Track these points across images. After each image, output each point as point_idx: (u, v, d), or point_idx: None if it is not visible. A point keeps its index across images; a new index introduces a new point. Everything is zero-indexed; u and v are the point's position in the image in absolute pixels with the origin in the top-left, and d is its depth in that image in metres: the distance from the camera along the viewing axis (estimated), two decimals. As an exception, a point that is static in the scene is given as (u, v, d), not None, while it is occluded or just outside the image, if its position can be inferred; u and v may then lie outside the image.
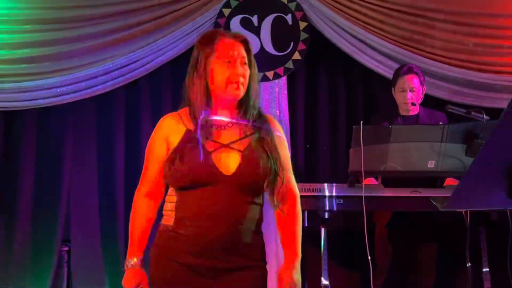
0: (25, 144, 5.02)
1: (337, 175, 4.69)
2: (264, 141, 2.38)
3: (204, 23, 5.03)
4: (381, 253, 4.08)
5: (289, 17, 5.03)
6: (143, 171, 2.51)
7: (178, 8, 5.01)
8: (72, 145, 5.05)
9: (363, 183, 3.54)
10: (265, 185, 2.37)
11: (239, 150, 2.34)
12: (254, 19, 5.04)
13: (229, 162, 2.31)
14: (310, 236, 4.78)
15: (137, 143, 5.04)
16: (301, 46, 5.01)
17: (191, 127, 2.39)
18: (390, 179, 3.81)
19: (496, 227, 3.98)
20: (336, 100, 5.16)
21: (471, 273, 3.68)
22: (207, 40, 2.43)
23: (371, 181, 3.92)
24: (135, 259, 2.46)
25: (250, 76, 2.43)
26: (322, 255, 3.86)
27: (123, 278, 2.47)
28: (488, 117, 3.60)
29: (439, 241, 4.14)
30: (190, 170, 2.27)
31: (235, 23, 5.02)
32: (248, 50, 2.44)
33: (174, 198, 2.39)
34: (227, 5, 5.04)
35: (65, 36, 4.97)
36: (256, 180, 2.32)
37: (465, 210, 3.53)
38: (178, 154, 2.32)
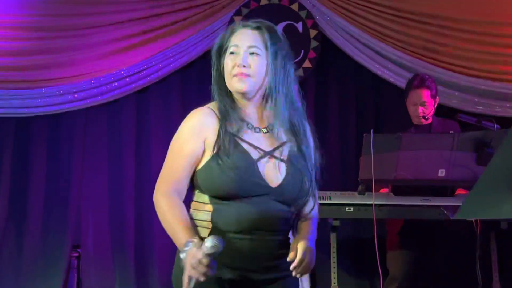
0: (36, 150, 5.05)
1: (347, 183, 4.68)
2: (305, 152, 2.21)
3: (215, 31, 5.05)
4: (393, 261, 4.07)
5: (299, 25, 5.04)
6: (165, 168, 2.25)
7: (189, 15, 5.04)
8: (83, 152, 5.07)
9: (373, 192, 3.53)
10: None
11: (282, 160, 2.16)
12: (265, 27, 5.05)
13: (275, 173, 2.13)
14: (320, 244, 4.78)
15: (147, 149, 5.07)
16: (312, 54, 5.02)
17: (228, 125, 2.14)
18: (400, 188, 3.81)
19: (506, 236, 3.98)
20: (346, 108, 5.16)
21: (481, 281, 3.66)
22: (222, 35, 2.25)
23: (386, 191, 3.92)
24: (195, 240, 2.00)
25: (268, 67, 2.17)
26: (332, 263, 3.86)
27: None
28: (498, 126, 3.60)
29: (450, 249, 4.13)
30: (238, 176, 2.05)
31: (246, 31, 5.04)
32: (263, 39, 2.17)
33: (208, 207, 2.15)
34: (238, 12, 5.06)
35: (77, 43, 5.00)
36: (299, 195, 2.16)
37: (475, 219, 3.52)
38: (223, 155, 2.09)
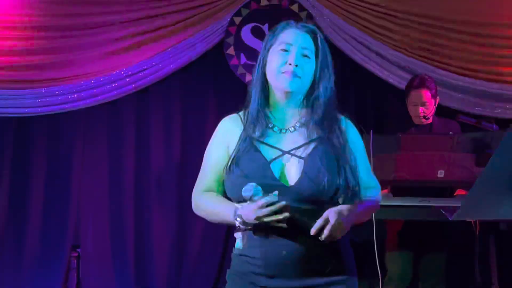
0: (36, 150, 5.05)
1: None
2: (334, 147, 2.14)
3: (215, 32, 5.06)
4: (392, 261, 4.08)
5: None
6: (199, 177, 2.26)
7: (189, 16, 5.04)
8: (83, 152, 5.07)
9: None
10: (340, 200, 2.14)
11: (300, 157, 2.10)
12: (265, 28, 5.06)
13: (291, 171, 2.09)
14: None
15: (147, 150, 5.07)
16: (311, 55, 5.02)
17: (251, 129, 2.15)
18: (400, 188, 3.81)
19: (505, 237, 3.98)
20: (346, 109, 5.15)
21: (480, 282, 3.67)
22: (272, 32, 2.24)
23: (385, 192, 3.93)
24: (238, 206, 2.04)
25: (317, 72, 2.19)
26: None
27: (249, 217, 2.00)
28: (498, 127, 3.60)
29: (449, 250, 4.13)
30: (248, 180, 2.01)
31: (246, 32, 5.05)
32: (316, 44, 2.20)
33: None
34: (238, 13, 5.06)
35: (77, 43, 5.00)
36: (319, 192, 2.06)
37: (474, 220, 3.53)
38: (234, 161, 2.10)
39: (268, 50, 2.20)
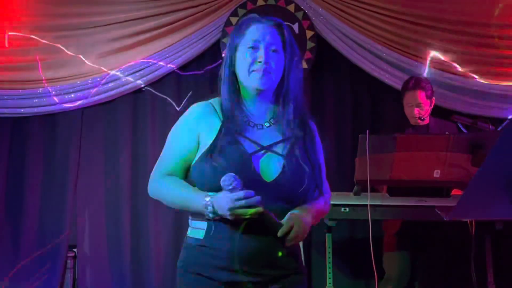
0: (33, 150, 5.04)
1: (343, 184, 4.69)
2: (308, 148, 2.16)
3: (211, 31, 5.06)
4: (389, 261, 4.09)
5: (296, 26, 5.05)
6: (160, 161, 2.24)
7: (185, 16, 5.04)
8: (79, 151, 5.06)
9: (369, 193, 3.54)
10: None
11: (280, 154, 2.10)
12: (262, 28, 5.05)
13: (271, 167, 2.08)
14: (315, 245, 4.81)
15: (144, 150, 5.07)
16: (308, 55, 5.03)
17: (230, 123, 2.12)
18: (396, 188, 3.82)
19: (501, 237, 3.99)
20: (342, 109, 5.17)
21: (476, 282, 3.68)
22: (237, 28, 2.22)
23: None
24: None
25: (286, 66, 2.17)
26: (327, 263, 3.87)
27: (223, 208, 1.98)
28: (494, 127, 3.61)
29: (445, 249, 4.14)
30: (231, 170, 1.98)
31: (243, 32, 5.04)
32: (283, 37, 2.18)
33: None
34: (234, 13, 5.06)
35: (73, 43, 5.00)
36: (298, 191, 2.07)
37: (469, 219, 3.53)
38: (217, 149, 2.05)
39: (236, 48, 2.18)
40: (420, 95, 4.10)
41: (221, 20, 5.07)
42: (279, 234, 1.99)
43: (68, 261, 4.94)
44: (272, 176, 2.07)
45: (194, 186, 2.15)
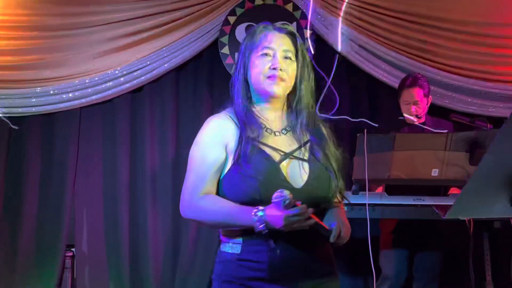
0: (31, 150, 5.03)
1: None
2: (326, 152, 2.18)
3: (209, 31, 5.06)
4: (386, 260, 4.09)
5: (294, 25, 5.05)
6: (191, 178, 2.19)
7: (183, 15, 5.04)
8: (77, 151, 5.06)
9: (367, 192, 3.55)
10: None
11: (304, 160, 2.13)
12: (260, 27, 5.05)
13: (298, 174, 2.10)
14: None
15: (142, 149, 5.07)
16: (306, 53, 5.02)
17: (248, 130, 2.13)
18: (394, 187, 3.82)
19: (499, 235, 3.99)
20: (340, 108, 5.16)
21: (474, 281, 3.68)
22: (250, 35, 2.24)
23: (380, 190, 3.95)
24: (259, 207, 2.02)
25: (298, 73, 2.21)
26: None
27: (279, 223, 1.97)
28: (492, 126, 3.61)
29: (444, 248, 4.15)
30: (261, 180, 2.02)
31: (241, 31, 5.05)
32: (295, 45, 2.22)
33: None
34: (232, 13, 5.06)
35: (72, 42, 5.00)
36: (327, 194, 2.12)
37: (468, 218, 3.54)
38: (244, 160, 2.06)
39: (249, 54, 2.20)
40: (418, 93, 4.11)
41: (219, 19, 5.07)
42: (332, 240, 2.02)
43: (66, 260, 4.94)
44: (301, 182, 2.10)
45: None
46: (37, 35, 4.98)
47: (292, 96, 2.23)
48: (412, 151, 3.55)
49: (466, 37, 4.99)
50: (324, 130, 2.28)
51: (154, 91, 5.15)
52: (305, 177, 2.10)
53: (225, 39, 5.06)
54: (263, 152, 2.10)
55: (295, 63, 2.21)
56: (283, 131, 2.20)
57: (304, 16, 5.05)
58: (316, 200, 2.09)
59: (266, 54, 2.17)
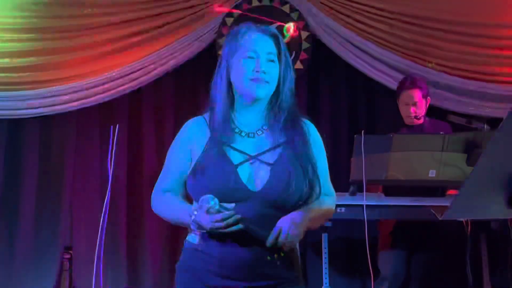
0: (29, 151, 5.03)
1: (339, 184, 4.69)
2: (299, 152, 2.16)
3: (207, 32, 5.06)
4: (384, 261, 4.09)
5: (290, 26, 5.05)
6: (160, 178, 2.31)
7: (181, 17, 5.04)
8: (75, 153, 5.06)
9: (364, 193, 3.55)
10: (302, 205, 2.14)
11: (268, 163, 2.12)
12: (257, 29, 5.05)
13: (258, 176, 2.10)
14: (312, 245, 4.81)
15: (140, 151, 5.07)
16: (303, 55, 5.04)
17: (218, 134, 2.16)
18: (392, 188, 3.83)
19: (497, 236, 4.00)
20: (338, 109, 5.18)
21: (472, 281, 3.69)
22: (232, 37, 2.23)
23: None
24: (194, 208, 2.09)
25: (280, 75, 2.21)
26: (323, 263, 3.87)
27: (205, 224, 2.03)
28: (489, 127, 3.62)
29: (441, 249, 4.15)
30: (214, 186, 2.06)
31: (238, 33, 5.04)
32: (278, 46, 2.21)
33: None
34: (229, 14, 5.06)
35: (69, 44, 4.99)
36: (287, 197, 2.08)
37: (465, 219, 3.55)
38: (200, 166, 2.12)
39: (232, 56, 2.19)
40: (417, 94, 4.11)
41: (216, 21, 5.07)
42: (267, 244, 2.02)
43: (64, 262, 4.94)
44: (260, 184, 2.09)
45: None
46: (34, 37, 4.97)
47: (274, 97, 2.23)
48: (409, 152, 3.55)
49: (462, 37, 5.00)
50: (305, 131, 2.26)
51: (152, 93, 5.15)
52: (264, 180, 2.10)
53: (222, 41, 5.05)
54: (225, 156, 2.12)
55: (277, 65, 2.21)
56: (259, 131, 2.21)
57: (301, 17, 5.05)
58: (274, 203, 2.08)
59: (249, 57, 2.16)
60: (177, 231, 5.00)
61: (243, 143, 2.17)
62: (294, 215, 2.07)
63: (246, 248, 2.07)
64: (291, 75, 2.27)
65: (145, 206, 5.00)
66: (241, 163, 2.11)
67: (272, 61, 2.19)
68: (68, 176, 5.02)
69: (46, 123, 5.06)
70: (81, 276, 4.94)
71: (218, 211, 2.00)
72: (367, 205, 3.50)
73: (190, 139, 2.23)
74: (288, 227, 2.01)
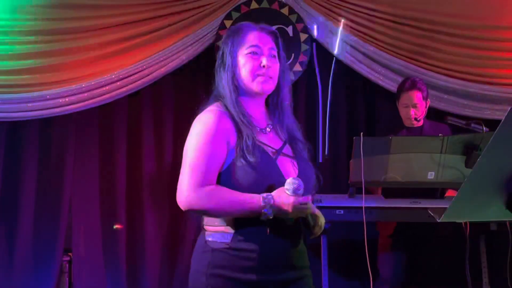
0: (28, 154, 5.02)
1: (338, 186, 4.70)
2: (303, 148, 2.31)
3: (206, 35, 5.06)
4: (384, 263, 4.09)
5: (290, 29, 5.06)
6: (197, 173, 2.19)
7: (179, 19, 5.04)
8: (74, 155, 5.06)
9: (363, 195, 3.55)
10: None
11: (291, 156, 2.24)
12: (255, 31, 5.06)
13: (288, 169, 2.19)
14: (310, 246, 4.81)
15: (139, 153, 5.07)
16: (302, 57, 5.04)
17: (244, 126, 2.19)
18: (391, 190, 3.83)
19: (496, 238, 4.00)
20: (337, 111, 5.18)
21: (471, 283, 3.69)
22: (234, 33, 2.30)
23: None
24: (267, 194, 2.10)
25: (280, 72, 2.29)
26: (322, 265, 3.87)
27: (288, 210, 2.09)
28: (487, 129, 3.62)
29: (440, 251, 4.15)
30: (261, 178, 2.11)
31: (237, 35, 5.05)
32: (277, 43, 2.31)
33: None
34: (228, 16, 5.07)
35: (68, 47, 4.98)
36: (311, 186, 2.23)
37: (463, 221, 3.55)
38: (243, 159, 2.12)
39: (236, 51, 2.26)
40: (417, 96, 4.11)
41: (215, 23, 5.07)
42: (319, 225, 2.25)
43: (64, 265, 4.94)
44: (291, 175, 2.17)
45: None
46: (33, 40, 4.97)
47: (274, 94, 2.31)
48: (408, 154, 3.55)
49: (461, 40, 5.00)
50: (298, 131, 2.37)
51: (151, 95, 5.15)
52: (293, 173, 2.20)
53: (221, 43, 5.05)
54: (261, 148, 2.17)
55: (277, 61, 2.29)
56: (268, 128, 2.28)
57: (300, 19, 5.06)
58: (304, 194, 2.15)
59: (254, 53, 2.23)
60: (176, 234, 5.01)
61: (263, 138, 2.24)
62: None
63: (283, 239, 2.15)
64: (288, 74, 2.36)
65: (144, 209, 5.01)
66: (276, 157, 2.20)
67: (274, 56, 2.27)
68: (67, 178, 5.01)
69: (46, 125, 5.05)
70: (81, 278, 4.94)
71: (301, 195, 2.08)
72: (366, 207, 3.50)
73: (225, 132, 2.19)
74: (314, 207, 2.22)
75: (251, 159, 2.11)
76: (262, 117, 2.30)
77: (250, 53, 2.23)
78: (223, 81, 2.27)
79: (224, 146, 2.18)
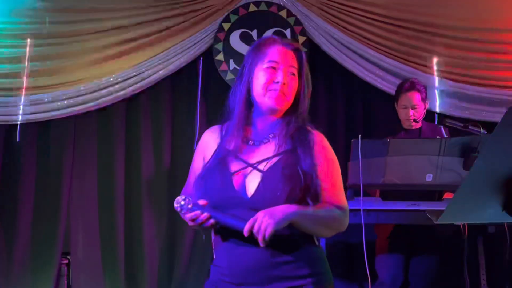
0: (26, 157, 5.03)
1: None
2: (299, 159, 2.16)
3: (204, 38, 5.08)
4: (382, 265, 4.09)
5: (288, 32, 5.07)
6: (186, 183, 2.38)
7: (178, 22, 5.06)
8: (72, 159, 5.06)
9: (361, 197, 3.55)
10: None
11: (261, 171, 2.13)
12: (254, 34, 5.08)
13: (252, 184, 2.12)
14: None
15: (137, 156, 5.07)
16: (300, 60, 5.04)
17: (226, 143, 2.22)
18: (389, 192, 3.83)
19: (494, 239, 4.01)
20: (335, 114, 5.18)
21: (469, 285, 3.69)
22: (257, 47, 2.26)
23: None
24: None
25: (300, 90, 2.24)
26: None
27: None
28: (485, 131, 3.63)
29: (439, 253, 4.16)
30: (211, 193, 2.13)
31: (235, 38, 5.07)
32: (300, 61, 2.24)
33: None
34: (226, 19, 5.08)
35: (66, 50, 5.00)
36: (275, 203, 2.05)
37: (461, 223, 3.55)
38: (201, 174, 2.20)
39: (254, 66, 2.22)
40: (416, 97, 4.11)
41: (214, 26, 5.09)
42: (245, 233, 2.01)
43: (62, 268, 4.93)
44: (251, 192, 2.12)
45: None
46: (31, 43, 4.97)
47: (291, 110, 2.25)
48: (406, 156, 3.56)
49: (459, 42, 5.02)
50: (310, 139, 2.24)
51: (149, 98, 5.16)
52: (254, 187, 2.12)
53: (219, 46, 5.07)
54: (225, 165, 2.17)
55: (296, 80, 2.23)
56: (265, 139, 2.23)
57: (298, 22, 5.07)
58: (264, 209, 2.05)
59: (271, 67, 2.19)
60: (175, 237, 5.01)
61: (248, 152, 2.20)
62: (277, 207, 2.05)
63: (251, 251, 2.08)
64: (309, 92, 2.28)
65: (143, 212, 5.01)
66: (237, 172, 2.15)
67: (293, 74, 2.21)
68: (65, 181, 5.01)
69: (44, 129, 5.06)
70: (79, 281, 4.94)
71: (192, 210, 2.09)
72: (364, 209, 3.50)
73: (204, 149, 2.31)
74: (263, 215, 2.00)
75: (202, 176, 2.20)
76: (267, 130, 2.25)
77: (268, 67, 2.19)
78: (237, 92, 2.26)
79: (201, 161, 2.29)
